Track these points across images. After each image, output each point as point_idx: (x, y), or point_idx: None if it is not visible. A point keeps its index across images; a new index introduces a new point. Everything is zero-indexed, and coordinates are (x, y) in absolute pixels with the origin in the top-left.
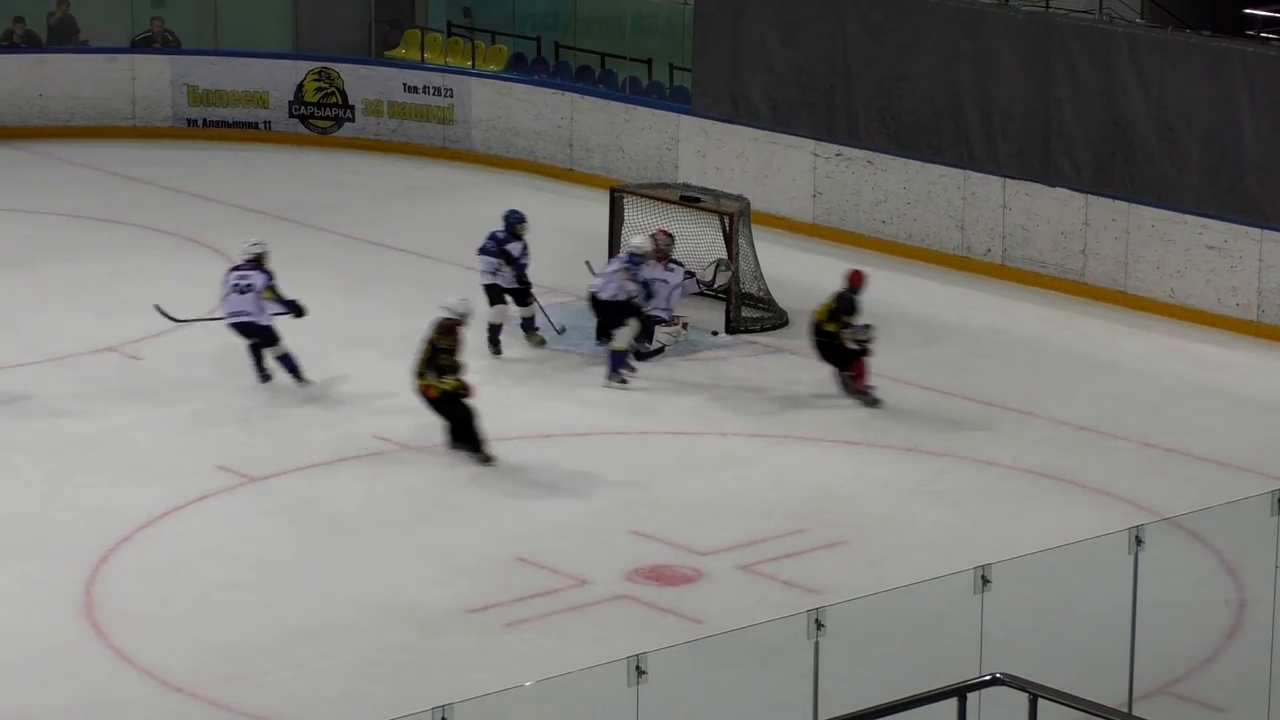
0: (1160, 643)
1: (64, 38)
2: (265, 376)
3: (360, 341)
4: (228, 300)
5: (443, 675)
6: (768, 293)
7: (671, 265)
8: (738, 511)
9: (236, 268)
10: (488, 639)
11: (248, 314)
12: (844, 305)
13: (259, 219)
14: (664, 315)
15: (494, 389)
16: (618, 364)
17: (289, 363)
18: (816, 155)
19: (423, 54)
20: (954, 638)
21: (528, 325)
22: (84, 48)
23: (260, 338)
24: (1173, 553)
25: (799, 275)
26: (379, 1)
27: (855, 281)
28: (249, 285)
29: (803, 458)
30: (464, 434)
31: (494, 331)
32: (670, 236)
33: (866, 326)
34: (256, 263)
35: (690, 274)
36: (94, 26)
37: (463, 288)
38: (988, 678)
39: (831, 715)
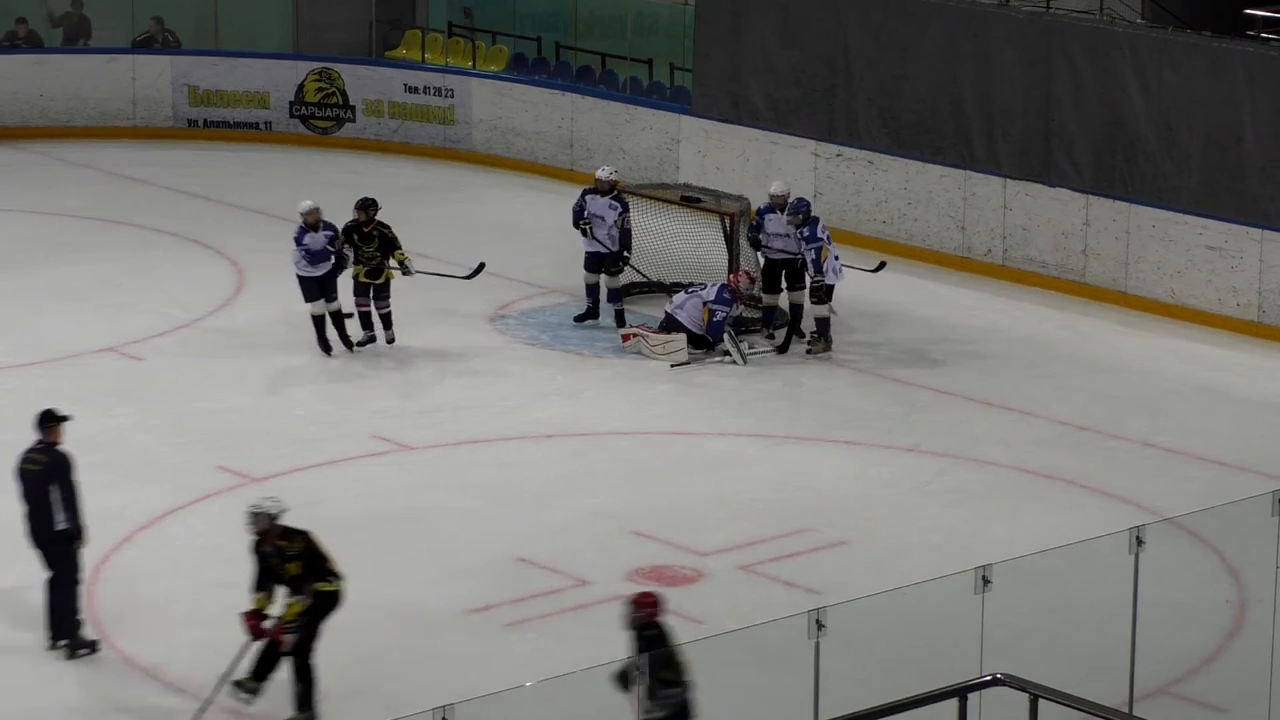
0: (1161, 643)
1: (77, 38)
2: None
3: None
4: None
5: (443, 675)
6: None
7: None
8: (738, 511)
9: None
10: (488, 639)
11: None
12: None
13: (260, 219)
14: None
15: (494, 389)
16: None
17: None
18: (817, 155)
19: (423, 54)
20: (954, 638)
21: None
22: (84, 48)
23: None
24: (1173, 553)
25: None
26: (379, 1)
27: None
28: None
29: (803, 458)
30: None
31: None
32: (751, 280)
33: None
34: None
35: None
36: (95, 26)
37: (464, 288)
38: (988, 678)
39: (832, 715)
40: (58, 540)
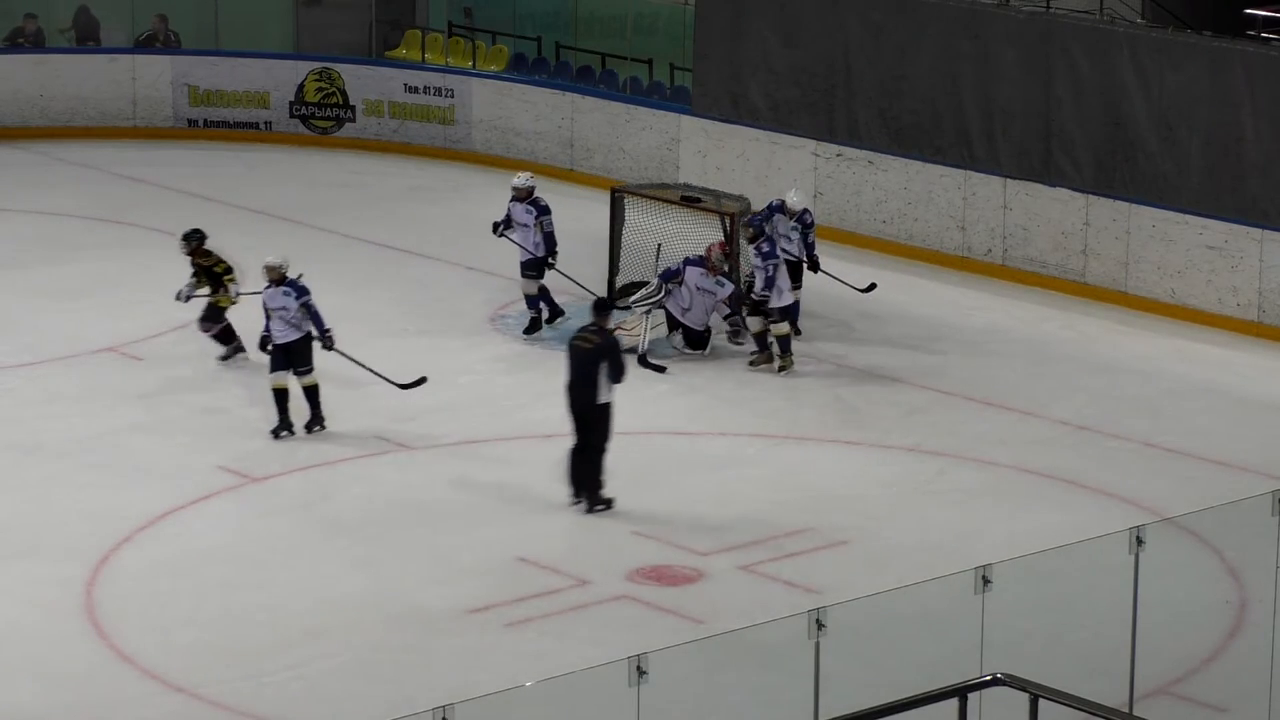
0: (1161, 643)
1: (87, 39)
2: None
3: (360, 341)
4: None
5: (443, 675)
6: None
7: (721, 279)
8: (738, 511)
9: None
10: (488, 639)
11: None
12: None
13: (260, 219)
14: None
15: (494, 389)
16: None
17: None
18: (817, 155)
19: (423, 54)
20: (955, 638)
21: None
22: (85, 48)
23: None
24: (1173, 553)
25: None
26: (380, 2)
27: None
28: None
29: (803, 458)
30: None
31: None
32: (725, 252)
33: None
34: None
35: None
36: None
37: (463, 287)
38: (988, 678)
39: (832, 715)
40: (598, 412)
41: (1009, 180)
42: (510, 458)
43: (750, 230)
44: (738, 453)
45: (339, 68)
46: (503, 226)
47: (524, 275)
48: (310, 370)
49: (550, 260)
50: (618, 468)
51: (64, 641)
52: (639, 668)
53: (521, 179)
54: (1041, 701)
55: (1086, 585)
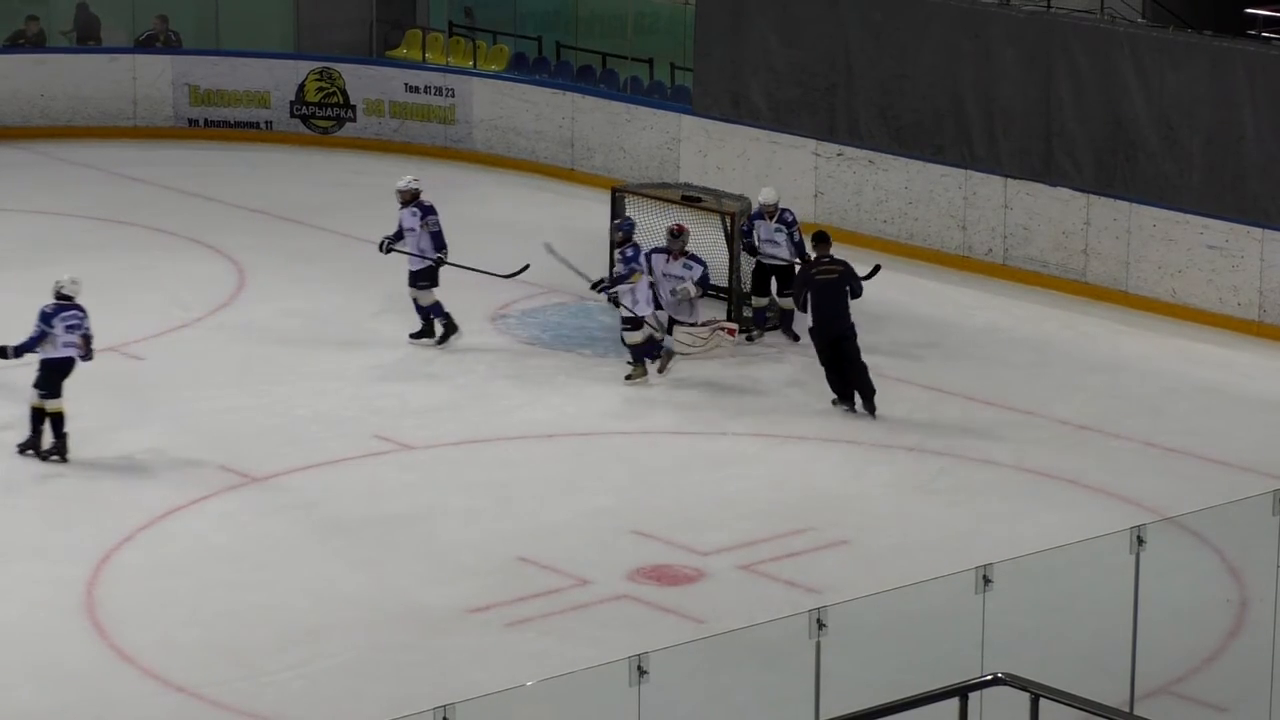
0: (1162, 642)
1: (86, 39)
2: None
3: (361, 341)
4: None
5: (444, 675)
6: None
7: (689, 263)
8: (738, 511)
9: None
10: (489, 639)
11: None
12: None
13: (260, 219)
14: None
15: (494, 389)
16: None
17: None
18: (818, 155)
19: (424, 54)
20: (955, 637)
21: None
22: (86, 48)
23: None
24: (1174, 552)
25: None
26: (380, 1)
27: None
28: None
29: (803, 458)
30: None
31: None
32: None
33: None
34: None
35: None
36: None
37: (464, 287)
38: (989, 677)
39: (833, 715)
40: (851, 330)
41: (1010, 180)
42: (511, 457)
43: (619, 234)
44: (738, 452)
45: (339, 67)
46: (390, 241)
47: (415, 285)
48: None
49: (441, 259)
50: (618, 467)
51: (64, 641)
52: (639, 668)
53: (404, 182)
54: (1042, 701)
55: (1087, 585)
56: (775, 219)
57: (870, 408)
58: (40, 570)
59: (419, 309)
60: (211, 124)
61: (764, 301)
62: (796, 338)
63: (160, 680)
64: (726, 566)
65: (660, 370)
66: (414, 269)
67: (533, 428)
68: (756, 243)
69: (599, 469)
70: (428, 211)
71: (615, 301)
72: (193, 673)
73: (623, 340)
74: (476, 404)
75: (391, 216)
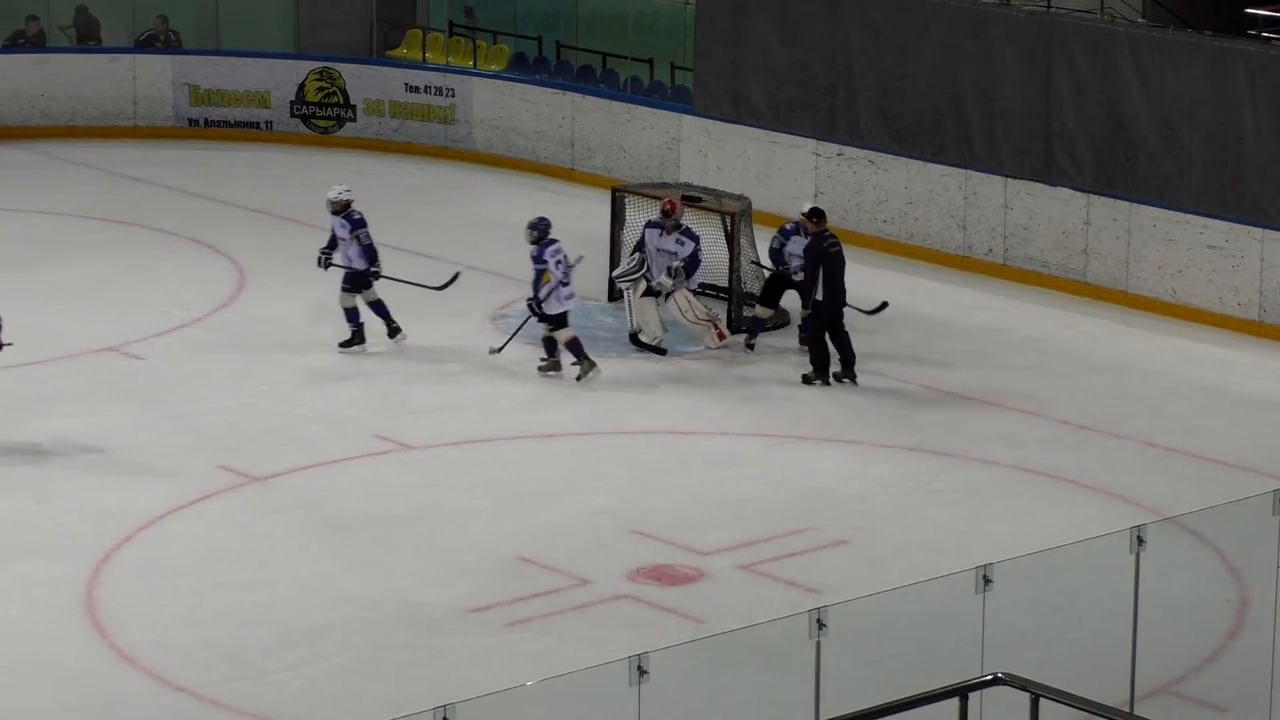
0: (1162, 642)
1: (86, 39)
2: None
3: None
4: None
5: (444, 675)
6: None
7: (682, 238)
8: (738, 511)
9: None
10: (489, 639)
11: None
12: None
13: (261, 219)
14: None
15: (494, 389)
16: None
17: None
18: (818, 155)
19: (424, 54)
20: (955, 637)
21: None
22: (86, 47)
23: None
24: (1174, 552)
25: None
26: (380, 1)
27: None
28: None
29: (803, 457)
30: None
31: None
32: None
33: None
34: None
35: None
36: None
37: (464, 287)
38: (989, 677)
39: (833, 715)
40: (843, 305)
41: (1010, 180)
42: (511, 457)
43: (534, 234)
44: (738, 452)
45: (340, 67)
46: (325, 253)
47: (342, 289)
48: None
49: (374, 271)
50: (618, 467)
51: (64, 641)
52: (639, 668)
53: (335, 191)
54: (1042, 701)
55: (1087, 585)
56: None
57: (851, 375)
58: (40, 570)
59: (346, 313)
60: (211, 124)
61: (769, 313)
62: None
63: (160, 680)
64: (726, 566)
65: (579, 378)
66: (345, 274)
67: (533, 428)
68: (787, 257)
69: (599, 469)
70: (357, 225)
71: (536, 311)
72: (193, 673)
73: (545, 340)
74: (476, 404)
75: (391, 216)
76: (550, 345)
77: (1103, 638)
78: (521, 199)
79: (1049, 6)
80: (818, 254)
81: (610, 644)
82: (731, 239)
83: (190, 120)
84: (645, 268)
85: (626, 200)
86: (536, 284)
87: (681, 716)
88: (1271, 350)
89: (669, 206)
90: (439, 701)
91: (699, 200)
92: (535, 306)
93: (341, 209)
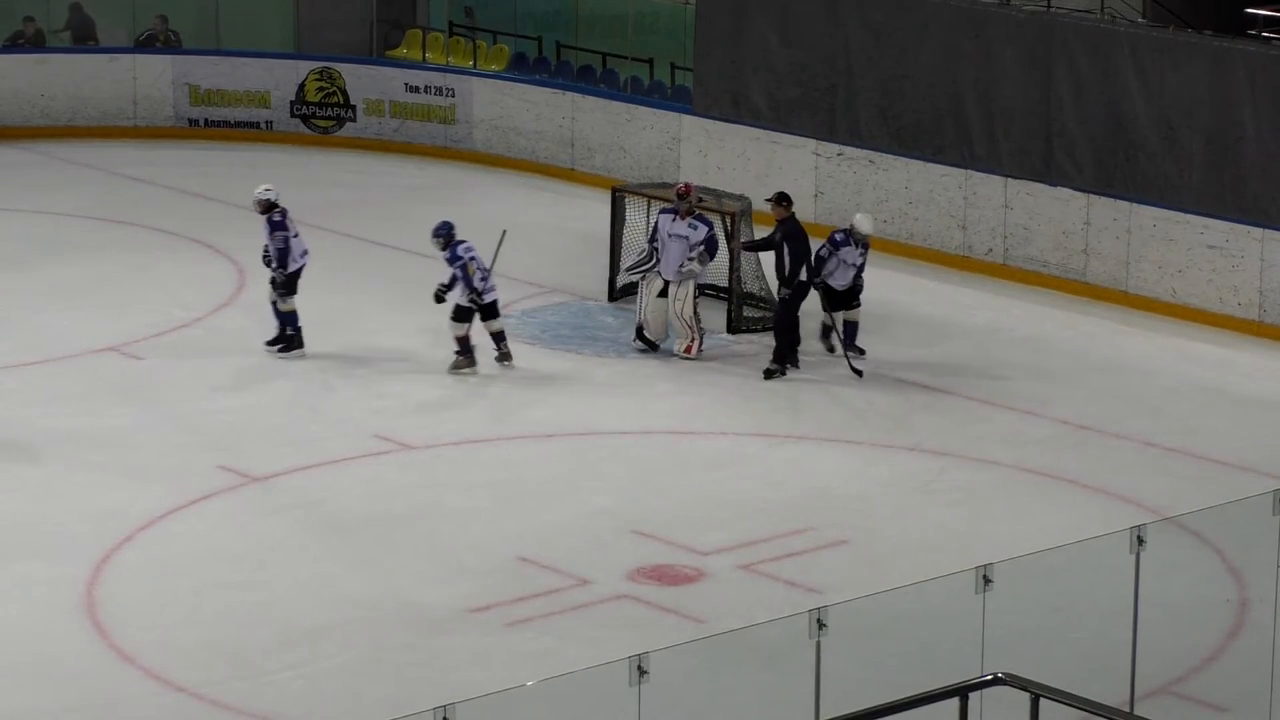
0: (1162, 642)
1: (80, 38)
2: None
3: (361, 341)
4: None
5: (444, 675)
6: (769, 292)
7: (695, 223)
8: (738, 511)
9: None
10: (489, 639)
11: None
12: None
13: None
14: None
15: (494, 389)
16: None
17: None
18: (818, 155)
19: (424, 54)
20: (955, 637)
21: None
22: (86, 47)
23: None
24: (1174, 552)
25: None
26: (380, 1)
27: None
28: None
29: (803, 458)
30: None
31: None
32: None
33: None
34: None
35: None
36: (96, 27)
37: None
38: (989, 677)
39: (833, 715)
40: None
41: (1010, 180)
42: (511, 457)
43: (440, 240)
44: (738, 452)
45: (340, 67)
46: (265, 253)
47: (277, 294)
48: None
49: (281, 273)
50: (618, 467)
51: (64, 641)
52: (639, 668)
53: (258, 190)
54: (1042, 701)
55: (1087, 585)
56: (860, 244)
57: (795, 360)
58: (40, 570)
59: (277, 315)
60: (211, 124)
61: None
62: (862, 351)
63: (160, 680)
64: (726, 566)
65: (450, 368)
66: (271, 276)
67: (533, 428)
68: (832, 267)
69: (599, 469)
70: (276, 226)
71: (441, 298)
72: (193, 673)
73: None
74: (476, 404)
75: (391, 216)
76: (464, 345)
77: (1103, 638)
78: (521, 199)
79: (1049, 6)
80: (804, 235)
81: (610, 644)
82: (731, 238)
83: (190, 120)
84: (655, 260)
85: (626, 200)
86: (468, 280)
87: (681, 716)
88: (1271, 350)
89: (683, 190)
90: (439, 701)
91: (699, 200)
92: (477, 300)
93: (265, 209)
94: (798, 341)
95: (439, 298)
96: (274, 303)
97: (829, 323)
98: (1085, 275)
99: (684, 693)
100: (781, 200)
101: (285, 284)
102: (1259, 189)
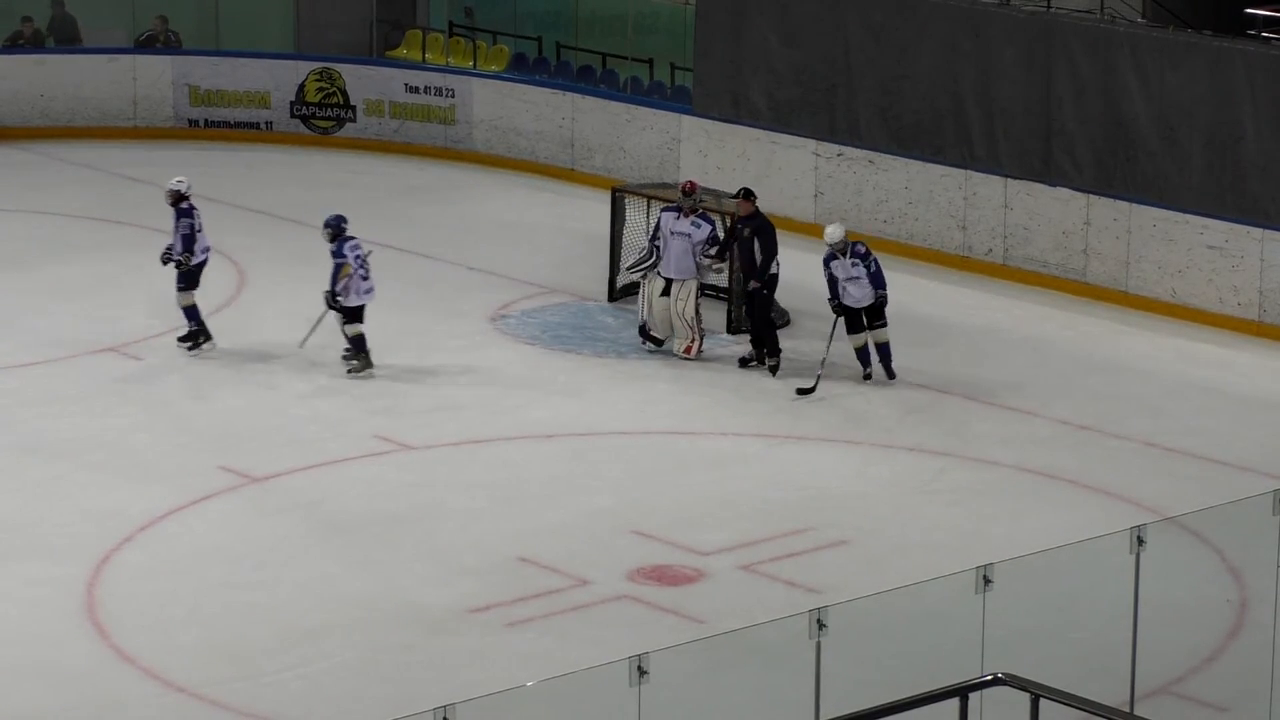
0: (1162, 642)
1: (63, 38)
2: None
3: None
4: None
5: (444, 675)
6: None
7: (698, 220)
8: (738, 511)
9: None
10: (489, 639)
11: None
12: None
13: (260, 219)
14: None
15: (494, 389)
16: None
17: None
18: (818, 155)
19: (424, 54)
20: (955, 637)
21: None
22: (85, 48)
23: None
24: (1174, 552)
25: (800, 275)
26: (380, 1)
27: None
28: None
29: (803, 458)
30: None
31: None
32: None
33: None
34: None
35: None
36: (95, 26)
37: (464, 287)
38: (989, 678)
39: (833, 715)
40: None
41: (1010, 180)
42: (511, 457)
43: (329, 231)
44: (738, 452)
45: (339, 68)
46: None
47: (177, 288)
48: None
49: (177, 259)
50: (618, 467)
51: (64, 641)
52: (639, 668)
53: (171, 182)
54: (1042, 701)
55: (1087, 585)
56: (849, 254)
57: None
58: (40, 570)
59: (184, 311)
60: (211, 124)
61: (861, 341)
62: (893, 375)
63: (160, 680)
64: (726, 566)
65: (350, 371)
66: (174, 260)
67: (533, 428)
68: (840, 286)
69: (599, 469)
70: (182, 214)
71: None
72: (193, 673)
73: (343, 333)
74: (476, 404)
75: (391, 216)
76: (358, 344)
77: (1103, 638)
78: (521, 199)
79: (1049, 6)
80: (773, 229)
81: (610, 644)
82: (731, 238)
83: (190, 120)
84: (656, 258)
85: (626, 200)
86: (335, 278)
87: (681, 716)
88: (1271, 350)
89: (688, 187)
90: (439, 701)
91: (700, 200)
92: (331, 300)
93: (174, 200)
94: (774, 327)
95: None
96: (189, 307)
97: (825, 356)
98: (1085, 275)
99: (684, 693)
100: (749, 195)
101: (186, 276)
102: (1259, 189)
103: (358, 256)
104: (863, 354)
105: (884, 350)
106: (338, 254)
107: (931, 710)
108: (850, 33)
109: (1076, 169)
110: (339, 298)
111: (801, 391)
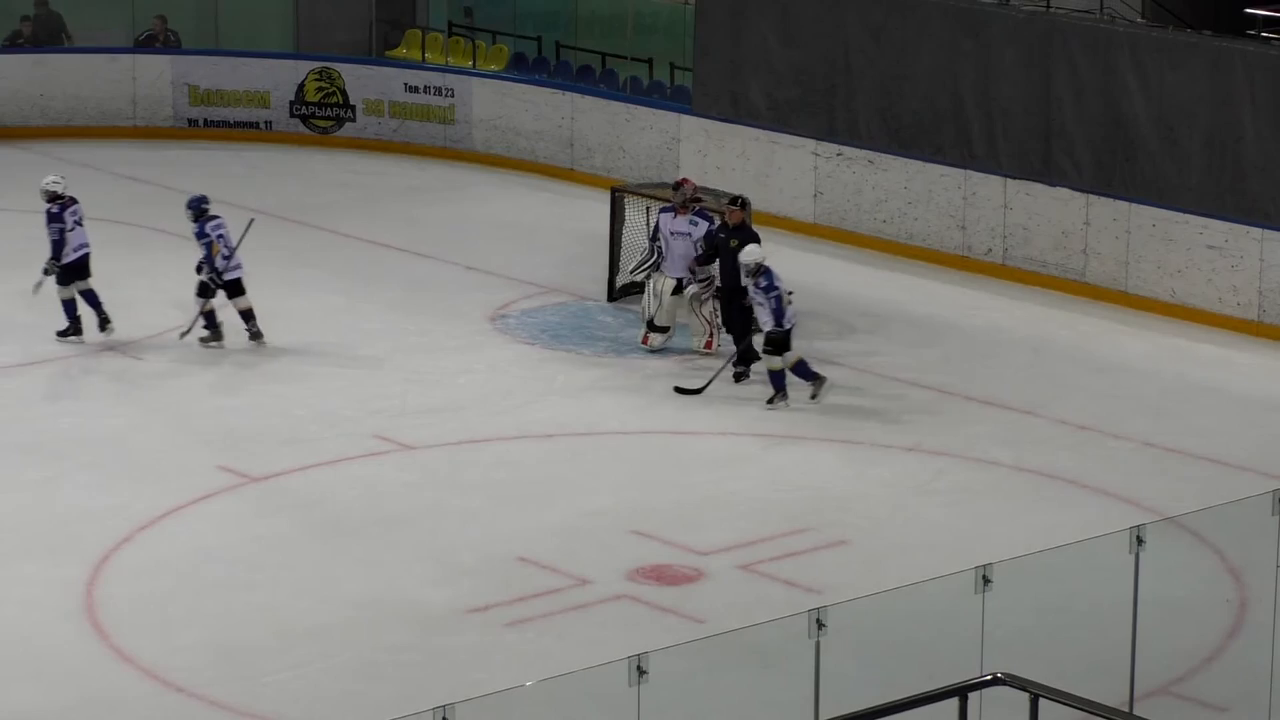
0: (1161, 642)
1: (45, 37)
2: None
3: (360, 341)
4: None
5: (443, 675)
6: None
7: (695, 219)
8: (738, 511)
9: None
10: (488, 639)
11: None
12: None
13: (260, 218)
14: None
15: (494, 389)
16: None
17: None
18: (817, 155)
19: (424, 54)
20: (955, 637)
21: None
22: (85, 47)
23: None
24: (1174, 552)
25: (800, 275)
26: (380, 1)
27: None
28: None
29: (803, 458)
30: None
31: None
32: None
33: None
34: None
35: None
36: (95, 26)
37: (463, 287)
38: (989, 677)
39: (832, 715)
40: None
41: (1009, 180)
42: (510, 457)
43: (192, 213)
44: (737, 452)
45: (339, 67)
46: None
47: (56, 281)
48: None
49: (45, 269)
50: (618, 467)
51: (64, 641)
52: (639, 668)
53: (45, 180)
54: (1042, 701)
55: (1087, 585)
56: (749, 276)
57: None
58: (40, 570)
59: (63, 305)
60: (211, 124)
61: (778, 365)
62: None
63: (160, 680)
64: (726, 566)
65: (189, 336)
66: (44, 267)
67: (532, 428)
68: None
69: (599, 469)
70: (52, 218)
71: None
72: (193, 673)
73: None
74: (476, 404)
75: (391, 216)
76: (211, 320)
77: (1103, 638)
78: (521, 199)
79: (1049, 6)
80: (759, 239)
81: (610, 644)
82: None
83: (190, 120)
84: (658, 257)
85: (626, 200)
86: (210, 259)
87: (681, 716)
88: (1271, 350)
89: (680, 182)
90: (438, 701)
91: (699, 200)
92: (217, 279)
93: (49, 199)
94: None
95: (199, 271)
96: (67, 301)
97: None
98: (1085, 275)
99: (684, 693)
100: (743, 205)
101: (61, 275)
102: (1258, 189)
103: (220, 235)
104: (777, 377)
105: (801, 367)
106: (201, 234)
107: (931, 710)
108: (850, 33)
109: (1076, 169)
110: (223, 275)
111: (683, 391)
